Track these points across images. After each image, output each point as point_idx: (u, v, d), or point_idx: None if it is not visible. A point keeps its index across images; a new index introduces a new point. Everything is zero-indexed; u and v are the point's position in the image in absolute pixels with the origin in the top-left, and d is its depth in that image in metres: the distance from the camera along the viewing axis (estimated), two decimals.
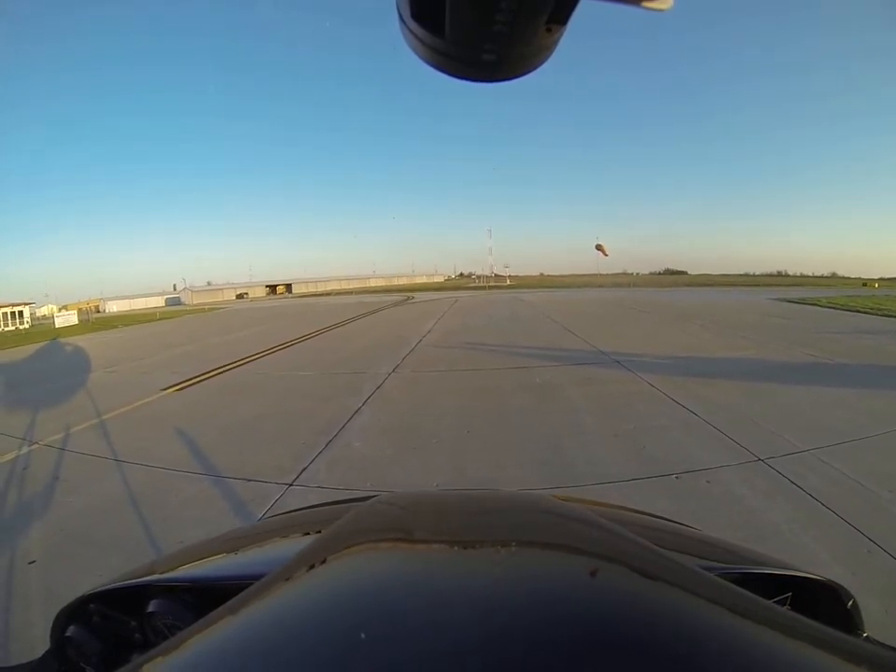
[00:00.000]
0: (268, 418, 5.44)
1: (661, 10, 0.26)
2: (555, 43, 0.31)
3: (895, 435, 4.07)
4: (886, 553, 2.41)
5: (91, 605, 0.69)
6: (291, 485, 3.57)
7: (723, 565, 0.68)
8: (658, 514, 0.95)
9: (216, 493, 3.52)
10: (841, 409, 4.87)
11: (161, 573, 0.72)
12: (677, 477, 3.41)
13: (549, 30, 0.28)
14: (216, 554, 0.84)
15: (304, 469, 3.88)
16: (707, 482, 3.31)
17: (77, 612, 0.70)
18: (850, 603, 0.66)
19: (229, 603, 0.48)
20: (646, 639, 0.38)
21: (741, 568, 0.67)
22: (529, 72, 0.33)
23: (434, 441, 4.43)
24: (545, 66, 0.33)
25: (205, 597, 0.63)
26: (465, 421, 4.96)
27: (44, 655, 0.70)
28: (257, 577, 0.53)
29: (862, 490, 3.10)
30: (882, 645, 0.54)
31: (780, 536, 2.63)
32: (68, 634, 0.68)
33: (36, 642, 2.06)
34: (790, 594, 0.66)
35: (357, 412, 5.47)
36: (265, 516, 3.08)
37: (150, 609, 0.64)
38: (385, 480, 3.60)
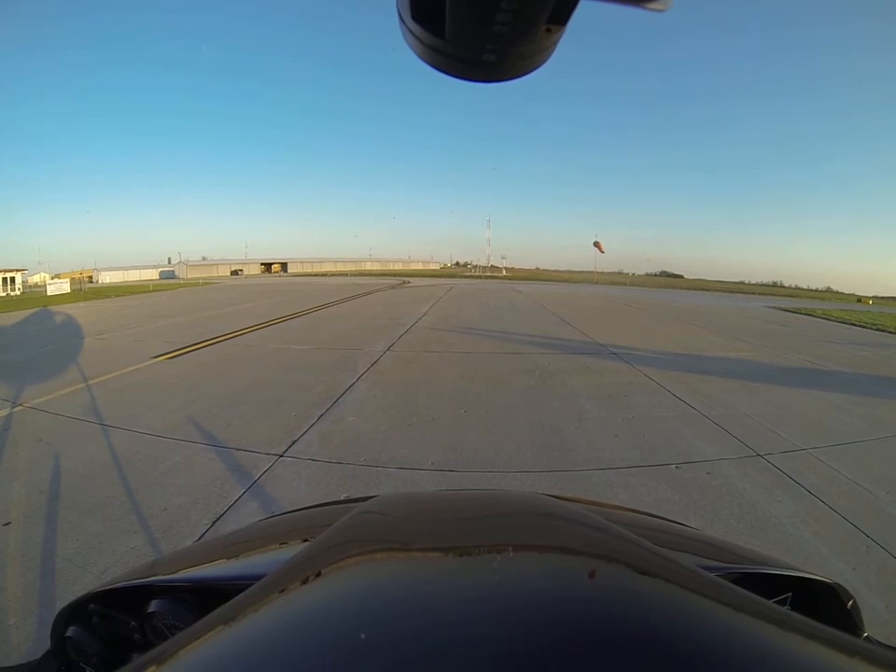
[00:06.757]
0: (260, 389, 5.34)
1: (660, 11, 0.26)
2: (555, 43, 0.31)
3: (890, 440, 4.09)
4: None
5: (91, 605, 0.68)
6: (281, 456, 3.48)
7: (723, 564, 0.69)
8: (658, 514, 0.96)
9: (202, 461, 3.43)
10: (836, 412, 4.89)
11: (162, 573, 0.72)
12: (676, 467, 3.37)
13: (549, 30, 0.28)
14: (217, 555, 0.84)
15: (295, 440, 3.80)
16: (707, 473, 3.28)
17: (77, 612, 0.69)
18: (850, 603, 0.66)
19: (230, 603, 0.47)
20: (647, 640, 0.37)
21: (741, 568, 0.68)
22: (529, 72, 0.33)
23: (430, 418, 4.36)
24: (545, 66, 0.34)
25: (206, 598, 0.62)
26: (461, 401, 4.90)
27: (44, 655, 0.70)
28: (257, 578, 0.52)
29: (859, 489, 3.11)
30: (882, 645, 0.55)
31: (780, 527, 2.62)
32: (68, 634, 0.67)
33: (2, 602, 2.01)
34: (790, 594, 0.66)
35: (351, 386, 5.40)
36: (252, 486, 3.02)
37: (150, 609, 0.64)
38: (380, 456, 3.52)
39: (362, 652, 0.36)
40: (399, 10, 0.30)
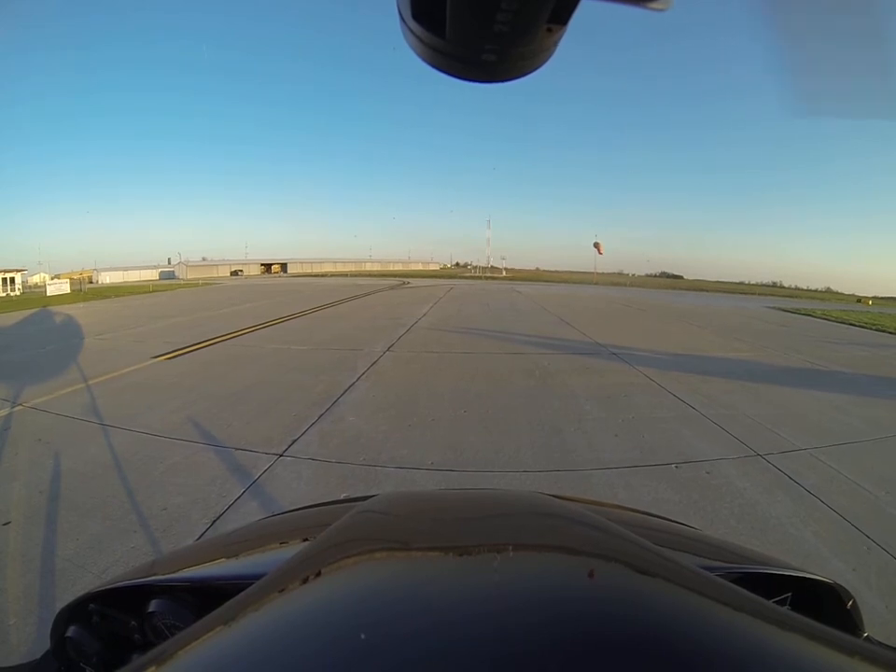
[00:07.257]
0: (259, 389, 5.34)
1: (660, 10, 0.26)
2: (556, 43, 0.31)
3: (890, 440, 4.09)
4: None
5: (91, 605, 0.68)
6: (281, 456, 3.48)
7: (723, 564, 0.69)
8: (658, 514, 0.95)
9: (202, 461, 3.43)
10: (836, 412, 4.89)
11: (162, 573, 0.72)
12: (676, 467, 3.37)
13: (549, 30, 0.28)
14: (217, 554, 0.84)
15: (295, 440, 3.79)
16: (707, 473, 3.28)
17: (77, 612, 0.69)
18: (850, 603, 0.66)
19: (230, 603, 0.47)
20: (647, 639, 0.37)
21: (741, 568, 0.68)
22: (530, 72, 0.33)
23: (430, 418, 4.36)
24: (545, 66, 0.33)
25: (206, 597, 0.62)
26: (461, 401, 4.90)
27: (44, 655, 0.70)
28: (257, 577, 0.52)
29: (859, 490, 3.11)
30: (882, 645, 0.55)
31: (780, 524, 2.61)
32: (68, 634, 0.67)
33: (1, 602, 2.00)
34: (790, 594, 0.66)
35: (351, 387, 5.40)
36: (252, 486, 3.02)
37: (150, 608, 0.63)
38: (380, 455, 3.52)
39: (362, 652, 0.36)
40: (399, 10, 0.30)
